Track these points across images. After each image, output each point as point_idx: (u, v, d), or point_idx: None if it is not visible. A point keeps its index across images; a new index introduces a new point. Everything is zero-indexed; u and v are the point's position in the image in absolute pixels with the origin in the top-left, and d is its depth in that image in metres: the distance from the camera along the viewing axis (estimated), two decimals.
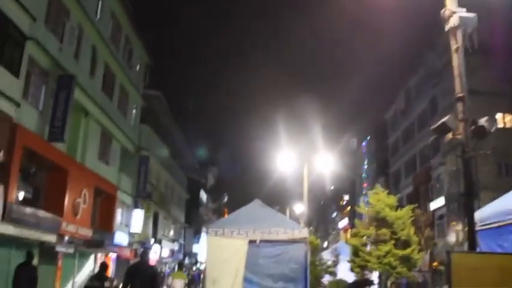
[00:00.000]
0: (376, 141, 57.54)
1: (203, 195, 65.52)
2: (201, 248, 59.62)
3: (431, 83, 39.17)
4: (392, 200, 17.71)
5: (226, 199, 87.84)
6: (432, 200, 36.97)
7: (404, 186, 45.44)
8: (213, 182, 74.35)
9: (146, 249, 11.90)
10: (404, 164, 47.77)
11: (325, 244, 60.89)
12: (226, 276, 13.94)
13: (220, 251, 14.32)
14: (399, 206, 18.33)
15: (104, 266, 11.55)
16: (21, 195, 19.13)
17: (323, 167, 24.86)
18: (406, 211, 17.53)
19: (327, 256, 24.04)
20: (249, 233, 14.46)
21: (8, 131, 17.07)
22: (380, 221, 16.88)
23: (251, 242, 14.33)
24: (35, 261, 19.58)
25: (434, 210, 35.77)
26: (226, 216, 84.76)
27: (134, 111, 33.81)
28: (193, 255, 58.77)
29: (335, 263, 22.71)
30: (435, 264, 24.45)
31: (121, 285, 10.46)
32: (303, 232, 14.81)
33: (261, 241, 14.36)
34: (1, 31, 17.00)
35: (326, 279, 22.04)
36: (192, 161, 56.69)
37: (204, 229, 57.17)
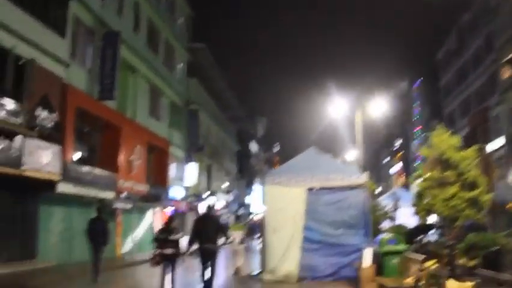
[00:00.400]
0: (428, 83, 55.50)
1: (253, 146, 65.57)
2: (254, 198, 60.36)
3: (486, 20, 37.01)
4: (455, 140, 16.86)
5: (277, 149, 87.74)
6: (490, 141, 35.56)
7: (460, 128, 43.83)
8: (262, 132, 74.19)
9: (211, 205, 12.31)
10: (458, 105, 46.01)
11: (377, 190, 60.15)
12: (286, 224, 13.88)
13: (279, 199, 14.22)
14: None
15: (170, 219, 11.99)
16: (77, 154, 19.41)
17: (373, 112, 24.15)
18: (472, 151, 16.69)
19: (384, 201, 23.58)
20: (307, 181, 14.27)
21: (59, 92, 17.16)
22: (444, 163, 16.13)
23: (310, 189, 14.16)
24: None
25: (492, 152, 34.42)
26: (277, 166, 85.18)
27: (180, 65, 33.52)
28: (246, 206, 59.40)
29: (394, 208, 22.22)
30: (510, 205, 23.47)
31: (189, 236, 11.06)
32: (362, 177, 14.40)
33: (319, 188, 14.16)
34: None
35: (385, 224, 21.65)
36: (240, 112, 56.38)
37: (256, 179, 57.49)
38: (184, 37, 34.66)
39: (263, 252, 14.50)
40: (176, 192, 30.07)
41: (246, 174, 59.08)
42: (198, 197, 35.03)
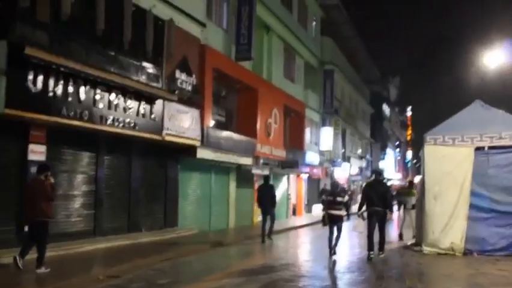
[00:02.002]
0: None
1: (386, 109, 62.40)
2: (387, 164, 57.74)
3: None
4: None
5: (411, 111, 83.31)
6: None
7: None
8: (395, 94, 70.30)
9: (379, 170, 13.49)
10: None
11: None
12: (449, 190, 12.45)
13: (442, 161, 12.78)
14: None
15: (335, 184, 12.83)
16: (215, 119, 18.77)
17: None
18: None
19: None
20: (475, 140, 12.61)
21: (197, 53, 16.44)
22: None
23: (478, 149, 12.52)
24: (232, 185, 19.60)
25: None
26: (410, 129, 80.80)
27: (314, 23, 31.73)
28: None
29: None
30: None
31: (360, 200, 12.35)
32: None
33: (489, 148, 12.47)
34: None
35: None
36: (374, 73, 53.37)
37: (390, 144, 54.60)
38: None
39: (421, 221, 13.24)
40: (312, 157, 28.83)
41: (379, 138, 56.40)
42: (333, 162, 33.62)
